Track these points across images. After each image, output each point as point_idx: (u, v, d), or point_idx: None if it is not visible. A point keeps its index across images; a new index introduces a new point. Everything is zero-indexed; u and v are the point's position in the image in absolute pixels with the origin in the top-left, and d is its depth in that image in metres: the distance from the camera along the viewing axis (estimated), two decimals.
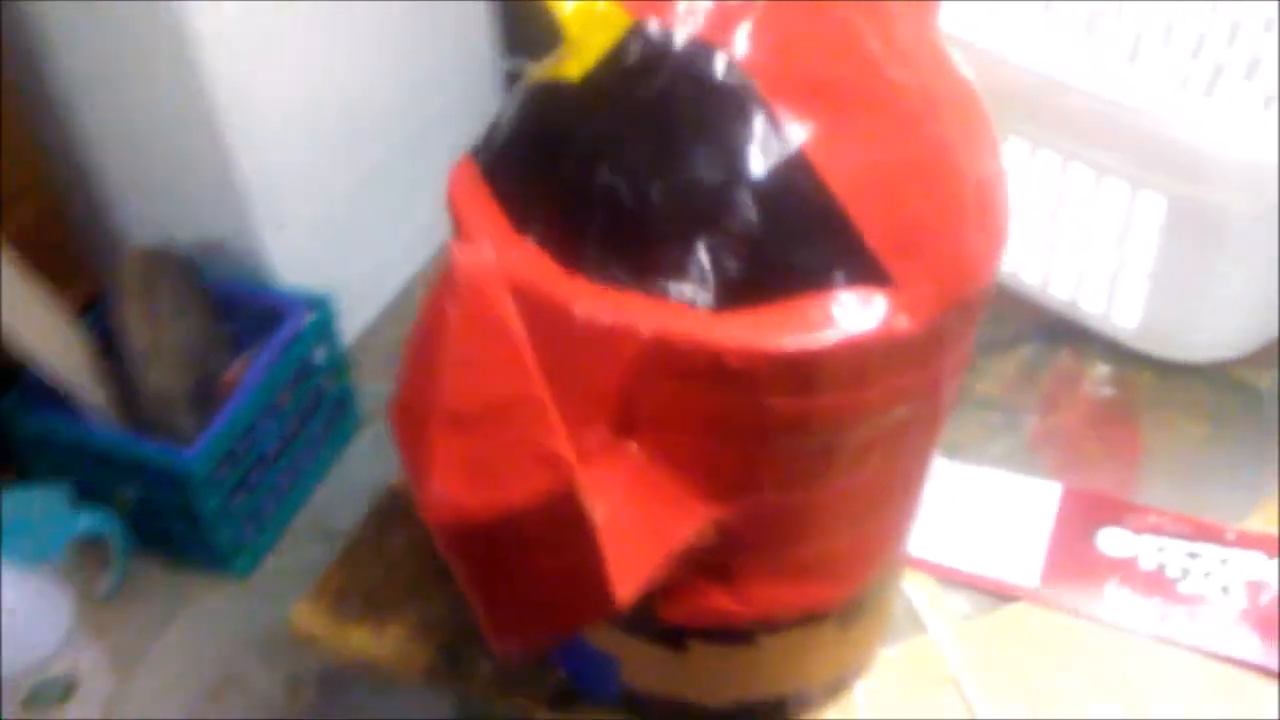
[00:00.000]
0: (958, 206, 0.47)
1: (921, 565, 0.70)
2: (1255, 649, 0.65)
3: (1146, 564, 0.69)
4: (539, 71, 0.54)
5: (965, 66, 0.54)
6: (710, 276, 0.47)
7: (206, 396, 1.52)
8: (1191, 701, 0.63)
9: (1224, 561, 0.69)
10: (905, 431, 0.53)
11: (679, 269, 0.47)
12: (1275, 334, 0.80)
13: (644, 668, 0.61)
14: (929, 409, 0.53)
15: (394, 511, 0.74)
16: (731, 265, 0.47)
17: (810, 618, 0.58)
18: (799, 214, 0.47)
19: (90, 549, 1.51)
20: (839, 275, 0.47)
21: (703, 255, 0.47)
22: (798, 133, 0.47)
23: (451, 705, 0.71)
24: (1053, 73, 0.70)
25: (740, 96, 0.47)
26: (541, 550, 0.42)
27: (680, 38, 0.48)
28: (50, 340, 1.48)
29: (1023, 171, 0.78)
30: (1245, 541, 0.70)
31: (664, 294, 0.48)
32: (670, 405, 0.49)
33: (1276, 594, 0.67)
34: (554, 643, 0.60)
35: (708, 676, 0.60)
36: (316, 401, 1.63)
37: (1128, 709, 0.63)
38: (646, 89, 0.49)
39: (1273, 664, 0.64)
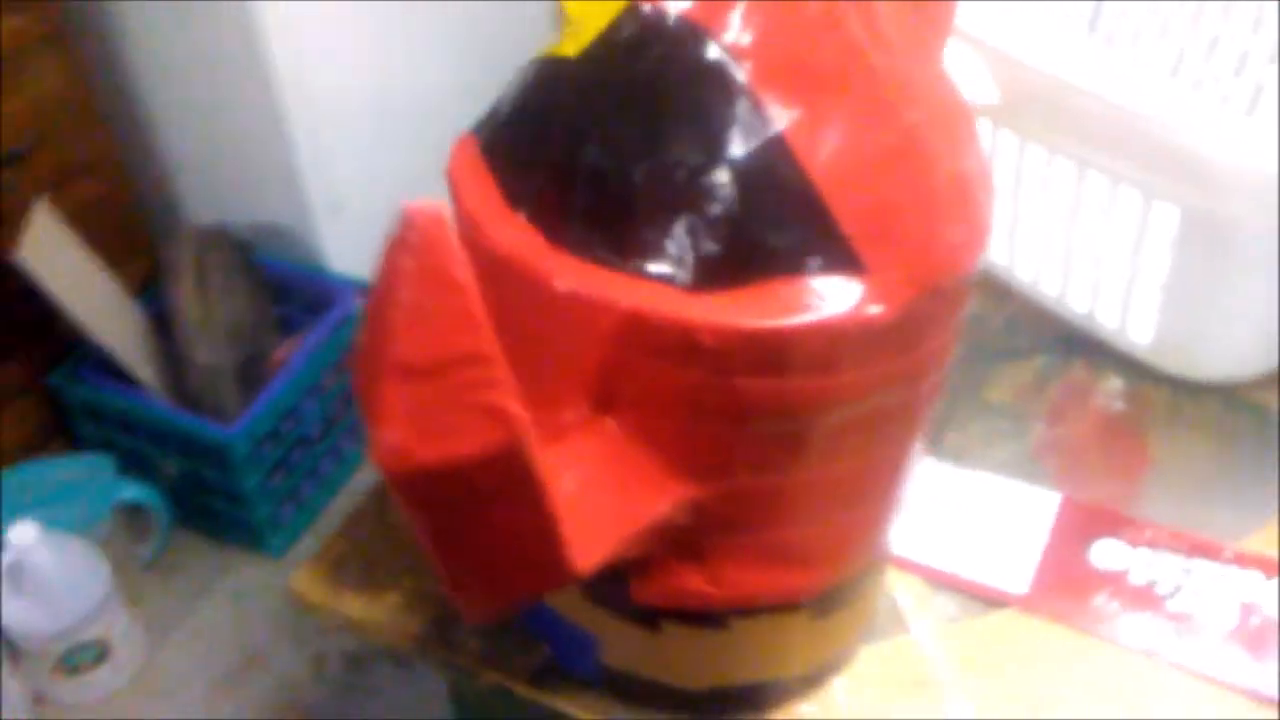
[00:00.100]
0: (932, 196, 0.48)
1: (911, 566, 0.70)
2: (1243, 670, 0.64)
3: (1138, 578, 0.69)
4: (544, 50, 0.55)
5: (957, 63, 0.55)
6: (688, 256, 0.48)
7: (254, 375, 1.56)
8: (1178, 716, 0.63)
9: (1218, 580, 0.68)
10: (882, 421, 0.53)
11: (658, 248, 0.48)
12: None
13: (622, 647, 0.61)
14: (907, 399, 0.54)
15: None
16: (709, 246, 0.48)
17: (784, 605, 0.58)
18: (777, 198, 0.48)
19: (133, 519, 1.55)
20: (814, 260, 0.48)
21: (681, 235, 0.48)
22: (780, 118, 0.48)
23: (442, 676, 0.72)
24: (1067, 76, 0.70)
25: (725, 80, 0.48)
26: (494, 509, 0.43)
27: (671, 19, 0.49)
28: (105, 314, 1.53)
29: (1040, 179, 0.78)
30: (1242, 561, 0.69)
31: (643, 272, 0.49)
32: (646, 383, 0.50)
33: (1269, 616, 0.66)
34: (516, 608, 0.61)
35: (682, 658, 0.61)
36: None
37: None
38: (635, 69, 0.50)
39: (1260, 686, 0.63)
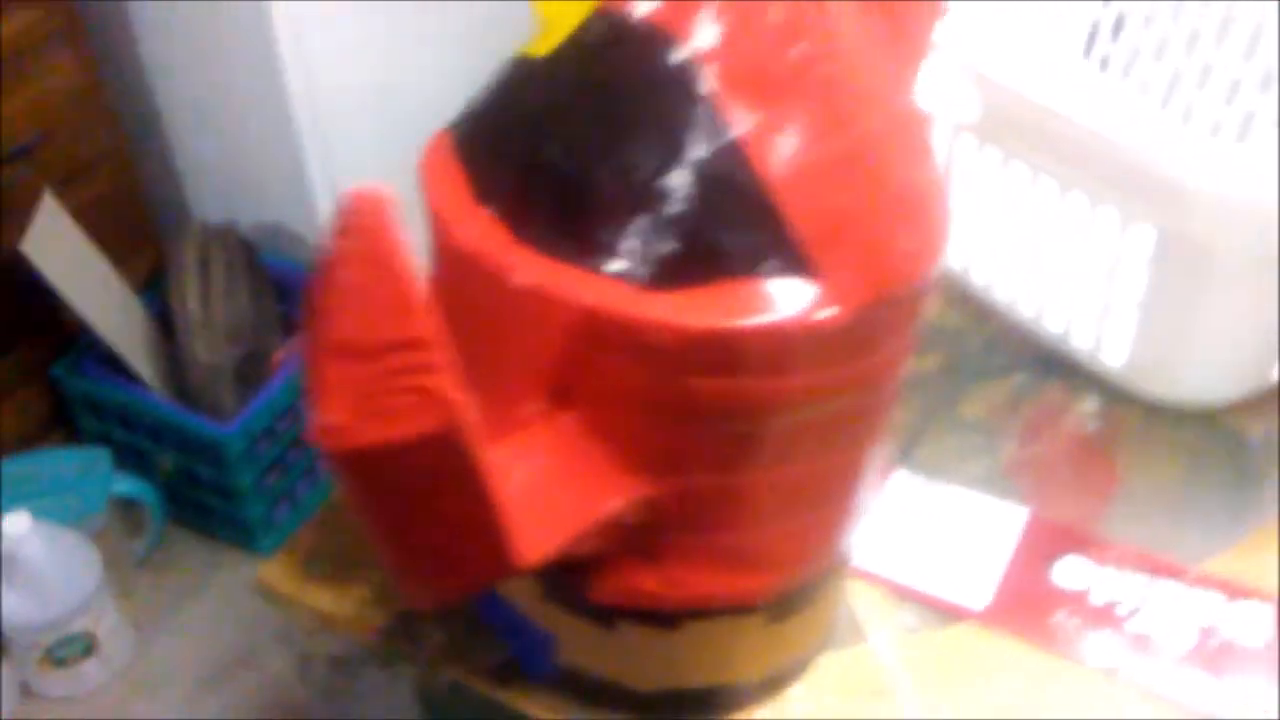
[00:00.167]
0: (884, 204, 0.49)
1: (873, 578, 0.71)
2: (1201, 691, 0.64)
3: (1098, 597, 0.69)
4: (520, 50, 0.56)
5: (939, 80, 0.56)
6: (645, 255, 0.49)
7: (253, 374, 1.57)
8: None
9: (1179, 601, 0.68)
10: (837, 426, 0.54)
11: (615, 246, 0.49)
12: (1271, 382, 0.79)
13: (579, 647, 0.62)
14: (862, 406, 0.54)
15: None
16: (665, 246, 0.49)
17: (738, 608, 0.59)
18: (733, 202, 0.49)
19: (128, 514, 1.56)
20: (768, 263, 0.49)
21: (638, 235, 0.49)
22: (738, 123, 0.49)
23: (406, 673, 0.72)
24: (1045, 99, 0.71)
25: (686, 85, 0.49)
26: (435, 494, 0.43)
27: (636, 23, 0.50)
28: (108, 309, 1.54)
29: (1022, 199, 0.78)
30: (1203, 583, 0.69)
31: (600, 269, 0.49)
32: (602, 379, 0.51)
33: (1228, 639, 0.66)
34: (462, 596, 0.61)
35: (637, 659, 0.61)
36: None
37: None
38: (600, 71, 0.51)
39: (1216, 709, 0.63)
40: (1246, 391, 0.79)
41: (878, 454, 0.58)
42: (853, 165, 0.48)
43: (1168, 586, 0.69)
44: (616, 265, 0.49)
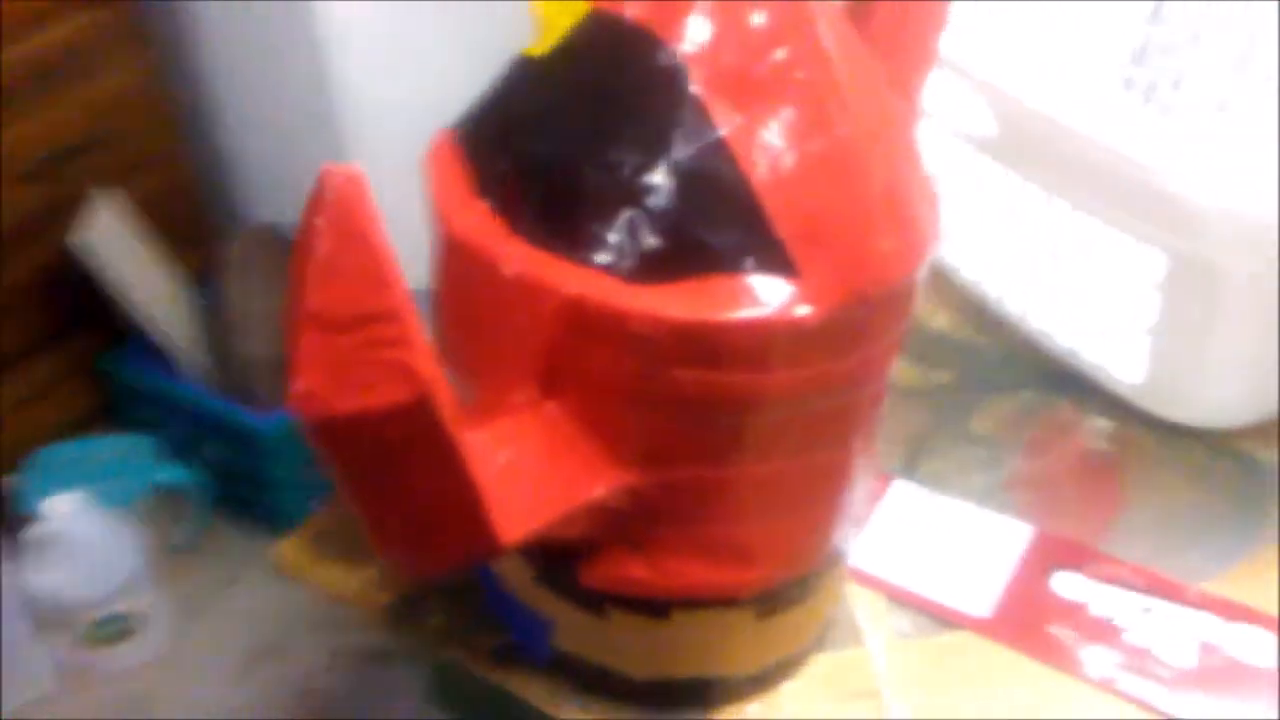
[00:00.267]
0: (864, 206, 0.50)
1: (873, 581, 0.71)
2: (1195, 709, 0.64)
3: (1097, 611, 0.69)
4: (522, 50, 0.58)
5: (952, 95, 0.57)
6: (629, 249, 0.50)
7: None
8: None
9: (1177, 619, 0.68)
10: (819, 424, 0.55)
11: (602, 239, 0.51)
12: None
13: (573, 632, 0.63)
14: (844, 406, 0.55)
15: None
16: (649, 241, 0.50)
17: (725, 600, 0.60)
18: (716, 199, 0.50)
19: (171, 502, 1.60)
20: (749, 260, 0.50)
21: (624, 229, 0.51)
22: (723, 123, 0.50)
23: (408, 650, 0.74)
24: (1057, 116, 0.71)
25: (674, 85, 0.51)
26: (411, 467, 0.45)
27: (628, 25, 0.52)
28: (157, 302, 1.59)
29: (1036, 216, 0.79)
30: (1204, 603, 0.69)
31: (587, 261, 0.51)
32: (587, 368, 0.53)
33: (1226, 657, 0.66)
34: (443, 571, 0.63)
35: (628, 646, 0.63)
36: None
37: None
38: (592, 71, 0.52)
39: None
40: (1258, 414, 0.79)
41: (864, 455, 0.59)
42: (834, 166, 0.49)
43: (1166, 605, 0.69)
44: (603, 257, 0.50)
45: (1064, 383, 0.84)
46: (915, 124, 0.63)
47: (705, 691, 0.65)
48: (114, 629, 1.46)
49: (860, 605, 0.70)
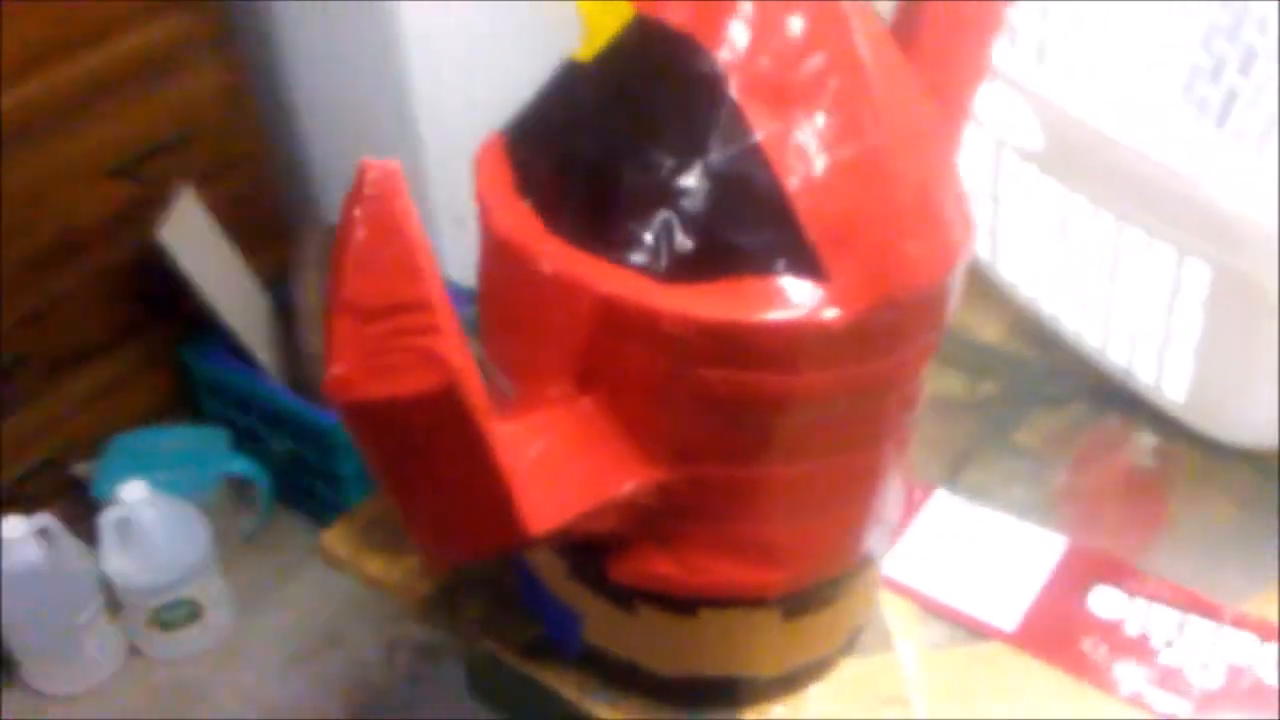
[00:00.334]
0: (893, 211, 0.50)
1: (906, 590, 0.72)
2: None
3: (1132, 628, 0.69)
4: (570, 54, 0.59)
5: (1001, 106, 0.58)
6: (663, 249, 0.52)
7: None
8: None
9: (1213, 639, 0.68)
10: (848, 427, 0.56)
11: (637, 240, 0.52)
12: None
13: (602, 626, 0.65)
14: (874, 410, 0.56)
15: None
16: (683, 241, 0.52)
17: (752, 600, 0.61)
18: (750, 202, 0.51)
19: (240, 493, 1.65)
20: (780, 262, 0.51)
21: (658, 230, 0.52)
22: (759, 128, 0.51)
23: (446, 639, 0.76)
24: (1104, 127, 0.71)
25: (712, 90, 0.52)
26: (440, 454, 0.47)
27: (670, 31, 0.53)
28: (234, 298, 1.63)
29: (1083, 229, 0.79)
30: (1240, 623, 0.69)
31: (622, 261, 0.52)
32: (620, 366, 0.54)
33: (1260, 679, 0.66)
34: (472, 559, 0.64)
35: (655, 642, 0.64)
36: None
37: None
38: (633, 76, 0.54)
39: None
40: None
41: (895, 458, 0.60)
42: (864, 172, 0.50)
43: (1203, 623, 0.69)
44: (638, 257, 0.52)
45: (1112, 398, 0.83)
46: (957, 133, 0.64)
47: (732, 690, 0.66)
48: (179, 614, 1.50)
49: (892, 613, 0.71)
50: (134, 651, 1.53)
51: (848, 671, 0.68)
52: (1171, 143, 0.69)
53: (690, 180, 0.51)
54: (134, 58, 1.55)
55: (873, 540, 0.63)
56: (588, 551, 0.61)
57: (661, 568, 0.59)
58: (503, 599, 0.71)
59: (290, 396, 1.61)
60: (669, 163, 0.52)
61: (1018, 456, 0.80)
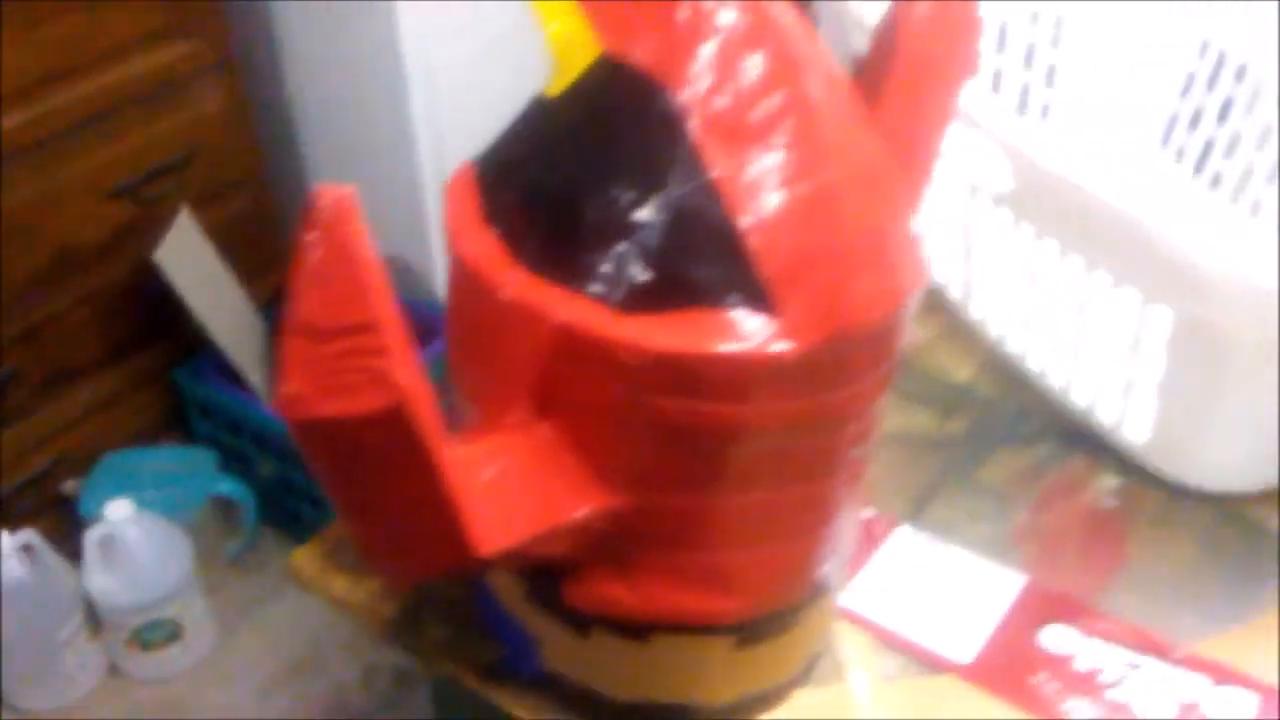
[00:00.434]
0: (843, 249, 0.52)
1: (862, 622, 0.72)
2: None
3: (1082, 665, 0.70)
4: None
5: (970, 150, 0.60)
6: (619, 281, 0.53)
7: None
8: None
9: (1164, 678, 0.69)
10: (798, 459, 0.57)
11: (595, 270, 0.53)
12: None
13: (560, 651, 0.66)
14: (826, 443, 0.57)
15: None
16: (640, 274, 0.53)
17: (704, 627, 0.62)
18: (705, 237, 0.53)
19: (226, 514, 1.66)
20: (734, 296, 0.52)
21: (616, 262, 0.53)
22: (715, 165, 0.53)
23: (408, 661, 0.77)
24: (1073, 177, 0.73)
25: (671, 129, 0.53)
26: (391, 473, 0.48)
27: (633, 70, 0.54)
28: (227, 320, 1.65)
29: (1052, 273, 0.80)
30: (1191, 664, 0.69)
31: (580, 290, 0.54)
32: (577, 393, 0.55)
33: (1205, 718, 0.66)
34: (427, 579, 0.65)
35: (611, 667, 0.65)
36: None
37: None
38: (598, 112, 0.55)
39: None
40: (1269, 481, 0.79)
41: (848, 491, 0.61)
42: (815, 211, 0.51)
43: (1154, 662, 0.70)
44: (596, 288, 0.53)
45: (1078, 439, 0.85)
46: (925, 176, 0.65)
47: (685, 718, 0.66)
48: (160, 634, 1.51)
49: (848, 645, 0.72)
50: (114, 670, 1.53)
51: (801, 701, 0.69)
52: (1138, 191, 0.70)
53: (648, 214, 0.53)
54: (138, 82, 1.58)
55: (827, 571, 0.64)
56: (545, 575, 0.62)
57: (615, 593, 0.60)
58: (465, 622, 0.72)
59: (279, 419, 1.62)
60: (628, 197, 0.53)
61: (981, 494, 0.81)
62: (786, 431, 0.55)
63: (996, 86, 1.05)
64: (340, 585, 0.76)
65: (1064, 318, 0.81)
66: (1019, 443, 0.85)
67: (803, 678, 0.69)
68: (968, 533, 0.78)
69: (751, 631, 0.63)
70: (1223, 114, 1.00)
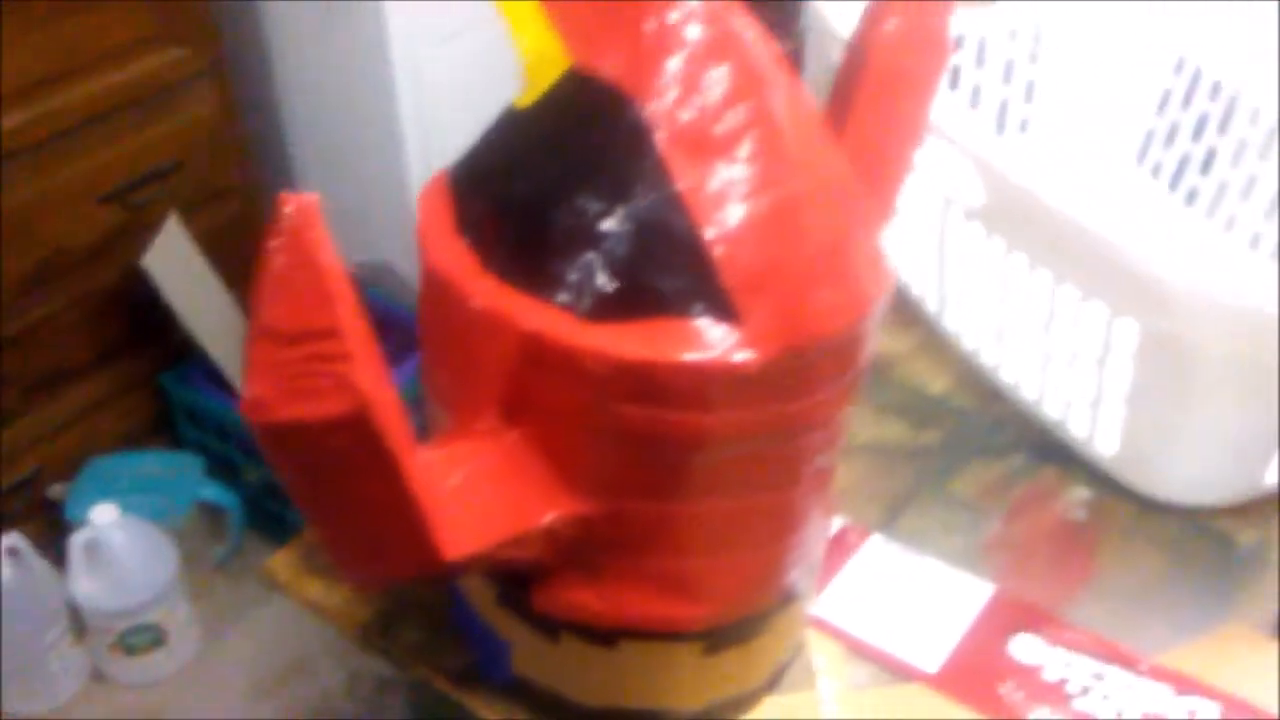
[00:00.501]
0: (805, 261, 0.53)
1: (833, 631, 0.73)
2: None
3: (1050, 675, 0.70)
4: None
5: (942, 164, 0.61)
6: (586, 290, 0.54)
7: None
8: None
9: (1129, 688, 0.69)
10: (763, 467, 0.58)
11: (563, 279, 0.54)
12: (1265, 487, 0.79)
13: (530, 656, 0.66)
14: (789, 451, 0.58)
15: None
16: (606, 283, 0.54)
17: (671, 634, 0.62)
18: (670, 248, 0.53)
19: (213, 520, 1.66)
20: (697, 306, 0.53)
21: (583, 271, 0.54)
22: (681, 177, 0.53)
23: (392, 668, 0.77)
24: (1041, 193, 0.74)
25: (639, 141, 0.54)
26: (354, 477, 0.49)
27: (601, 83, 0.55)
28: (215, 325, 1.65)
29: (1022, 287, 0.81)
30: (1156, 674, 0.70)
31: (548, 299, 0.54)
32: (544, 400, 0.56)
33: None
34: (390, 582, 0.66)
35: (579, 673, 0.65)
36: None
37: None
38: (567, 124, 0.56)
39: None
40: (1237, 494, 0.80)
41: (814, 500, 0.62)
42: (777, 223, 0.52)
43: (1119, 673, 0.70)
44: (562, 296, 0.54)
45: (1051, 452, 0.85)
46: (894, 189, 0.66)
47: None
48: (144, 639, 1.51)
49: (819, 653, 0.72)
50: (97, 675, 1.54)
51: (769, 709, 0.69)
52: (1103, 205, 0.71)
53: (614, 225, 0.54)
54: (130, 88, 1.59)
55: (794, 578, 0.65)
56: (515, 580, 0.63)
57: (583, 598, 0.61)
58: (439, 626, 0.73)
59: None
60: (595, 207, 0.54)
61: (954, 505, 0.82)
62: (750, 439, 0.56)
63: (975, 102, 1.06)
64: (315, 589, 0.76)
65: (1035, 331, 0.82)
66: (992, 454, 0.86)
67: (772, 685, 0.70)
68: (940, 543, 0.79)
69: (719, 638, 0.64)
70: (1198, 130, 1.01)
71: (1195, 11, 1.00)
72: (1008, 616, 0.74)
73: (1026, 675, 0.70)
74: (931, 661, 0.71)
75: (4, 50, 1.42)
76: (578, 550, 0.59)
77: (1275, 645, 0.72)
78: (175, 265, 1.60)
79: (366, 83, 1.64)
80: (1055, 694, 0.69)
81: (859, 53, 0.67)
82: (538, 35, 0.57)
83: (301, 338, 0.44)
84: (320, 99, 1.73)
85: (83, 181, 1.56)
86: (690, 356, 0.53)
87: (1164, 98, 1.04)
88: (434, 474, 0.52)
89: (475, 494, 0.55)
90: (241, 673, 1.55)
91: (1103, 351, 0.77)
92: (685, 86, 0.54)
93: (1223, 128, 0.98)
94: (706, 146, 0.53)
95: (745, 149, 0.53)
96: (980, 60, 1.04)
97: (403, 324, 1.75)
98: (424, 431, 0.62)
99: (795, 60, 0.60)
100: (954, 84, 1.04)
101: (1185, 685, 0.70)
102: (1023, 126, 1.08)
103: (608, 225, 0.54)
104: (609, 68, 0.55)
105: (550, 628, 0.63)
